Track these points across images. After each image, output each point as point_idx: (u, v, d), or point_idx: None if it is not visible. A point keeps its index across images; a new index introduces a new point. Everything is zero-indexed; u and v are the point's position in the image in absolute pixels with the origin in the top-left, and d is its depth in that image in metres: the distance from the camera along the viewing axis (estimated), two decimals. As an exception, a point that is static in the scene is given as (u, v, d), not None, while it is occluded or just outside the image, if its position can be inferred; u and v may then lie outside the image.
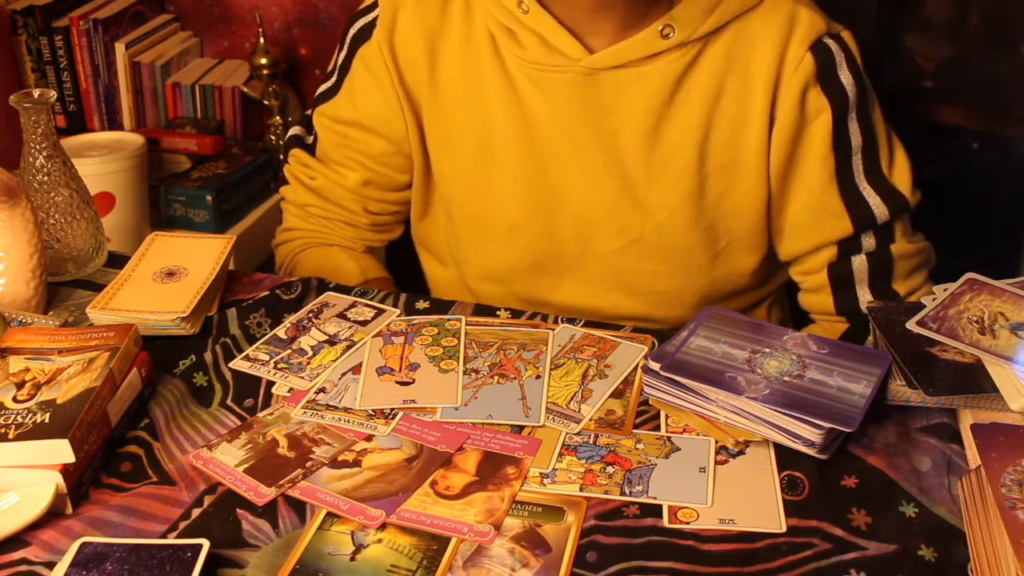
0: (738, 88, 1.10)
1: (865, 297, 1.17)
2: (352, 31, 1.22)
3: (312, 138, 1.29)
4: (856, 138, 1.12)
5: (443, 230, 1.28)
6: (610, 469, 0.86)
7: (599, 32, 1.10)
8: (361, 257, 1.30)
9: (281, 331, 1.05)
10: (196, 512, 0.83)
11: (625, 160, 1.13)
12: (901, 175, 1.16)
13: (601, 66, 1.10)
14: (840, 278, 1.17)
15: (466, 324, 1.05)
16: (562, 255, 1.19)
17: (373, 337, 1.04)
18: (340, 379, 0.98)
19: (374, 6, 1.19)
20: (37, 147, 1.12)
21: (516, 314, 1.08)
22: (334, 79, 1.25)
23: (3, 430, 0.83)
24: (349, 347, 1.02)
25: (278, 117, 2.04)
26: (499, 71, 1.14)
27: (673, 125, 1.12)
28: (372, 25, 1.18)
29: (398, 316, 1.07)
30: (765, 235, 1.18)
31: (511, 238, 1.19)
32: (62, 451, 0.82)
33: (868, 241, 1.16)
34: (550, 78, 1.12)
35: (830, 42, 1.10)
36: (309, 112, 1.30)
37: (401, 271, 1.43)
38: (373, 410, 0.93)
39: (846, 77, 1.10)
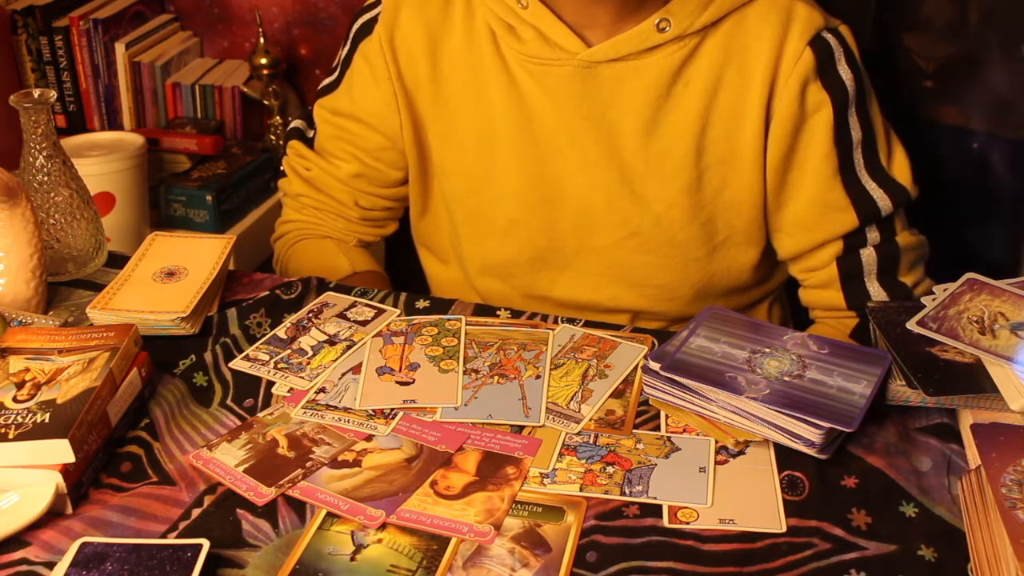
0: (735, 82, 1.11)
1: (875, 290, 1.17)
2: (355, 27, 1.23)
3: (312, 132, 1.30)
4: (856, 132, 1.13)
5: (444, 227, 1.28)
6: (610, 469, 0.86)
7: (596, 26, 1.10)
8: (352, 250, 1.31)
9: (281, 331, 1.05)
10: (196, 512, 0.83)
11: (624, 153, 1.14)
12: (901, 168, 1.16)
13: (599, 59, 1.10)
14: (849, 272, 1.17)
15: (466, 324, 1.05)
16: (562, 248, 1.20)
17: (373, 337, 1.04)
18: (340, 379, 0.98)
19: (377, 3, 1.20)
20: (37, 147, 1.12)
21: (516, 314, 1.08)
22: (336, 73, 1.27)
23: (3, 430, 0.83)
24: (349, 347, 1.02)
25: (278, 117, 2.05)
26: (499, 66, 1.15)
27: (671, 118, 1.12)
28: (374, 21, 1.20)
29: (398, 316, 1.07)
30: (763, 229, 1.18)
31: (511, 232, 1.20)
32: (62, 451, 0.82)
33: (872, 235, 1.16)
34: (549, 72, 1.12)
35: (828, 36, 1.10)
36: (311, 108, 1.31)
37: (401, 270, 1.44)
38: (373, 410, 0.93)
39: (845, 72, 1.10)
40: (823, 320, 1.23)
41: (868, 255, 1.16)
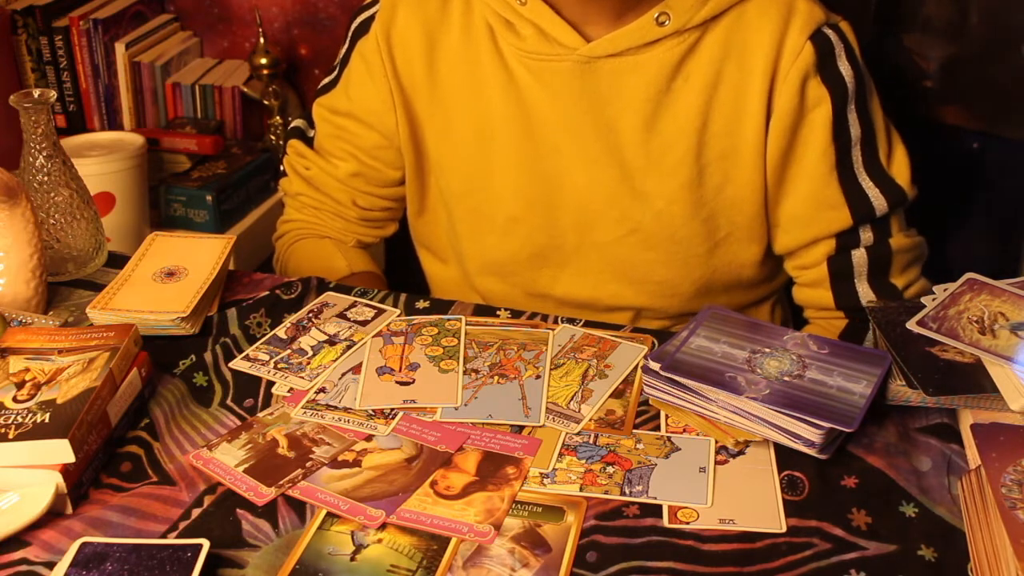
0: (736, 77, 1.10)
1: (863, 291, 1.17)
2: (354, 25, 1.24)
3: (313, 131, 1.31)
4: (855, 129, 1.12)
5: (442, 226, 1.28)
6: (610, 469, 0.86)
7: (595, 21, 1.10)
8: (350, 251, 1.31)
9: (281, 331, 1.05)
10: (196, 512, 0.83)
11: (623, 149, 1.14)
12: (900, 168, 1.16)
13: (598, 55, 1.10)
14: (839, 272, 1.17)
15: (466, 324, 1.05)
16: (562, 246, 1.20)
17: (373, 337, 1.04)
18: (340, 379, 0.98)
19: (375, 2, 1.20)
20: (37, 147, 1.12)
21: (516, 314, 1.08)
22: (335, 72, 1.27)
23: (3, 430, 0.83)
24: (349, 347, 1.02)
25: (278, 117, 2.05)
26: (498, 63, 1.15)
27: (671, 113, 1.12)
28: (372, 20, 1.20)
29: (398, 316, 1.07)
30: (765, 226, 1.18)
31: (510, 229, 1.20)
32: (62, 451, 0.82)
33: (866, 235, 1.16)
34: (548, 68, 1.12)
35: (829, 32, 1.10)
36: (311, 108, 1.31)
37: (401, 270, 1.44)
38: (373, 410, 0.93)
39: (845, 68, 1.10)
40: (815, 321, 1.23)
41: (859, 256, 1.16)
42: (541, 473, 0.86)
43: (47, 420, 0.84)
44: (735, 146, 1.13)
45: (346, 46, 1.25)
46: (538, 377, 0.97)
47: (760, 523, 0.81)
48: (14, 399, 0.86)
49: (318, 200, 1.31)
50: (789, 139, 1.12)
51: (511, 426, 0.91)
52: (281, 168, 1.36)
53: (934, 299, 0.98)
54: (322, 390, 0.96)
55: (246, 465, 0.87)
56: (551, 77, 1.12)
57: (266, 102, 2.04)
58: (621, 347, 1.02)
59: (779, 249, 1.21)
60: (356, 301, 1.10)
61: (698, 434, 0.90)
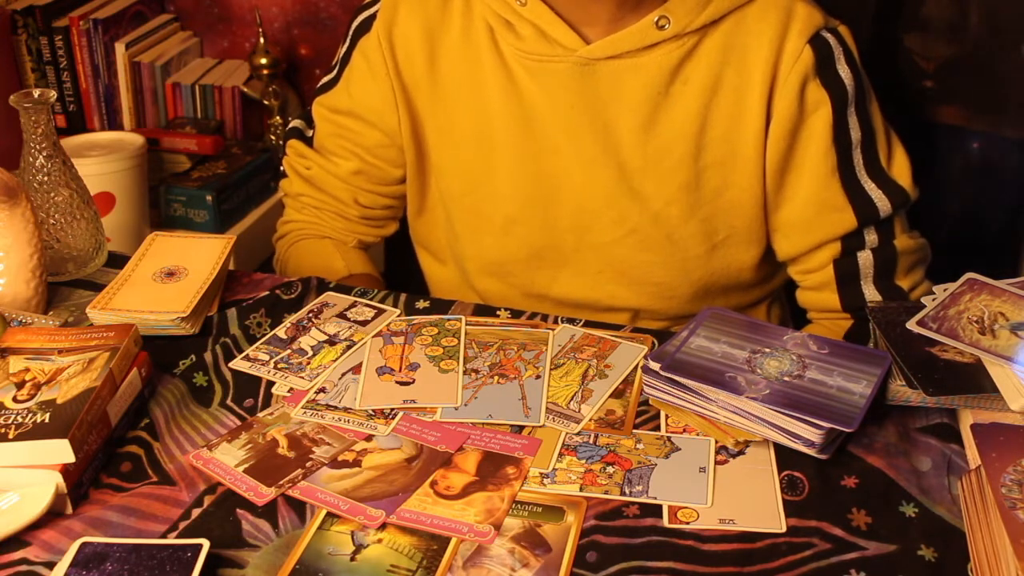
0: (735, 81, 1.10)
1: (870, 293, 1.17)
2: (355, 24, 1.24)
3: (311, 131, 1.31)
4: (855, 132, 1.12)
5: (441, 226, 1.28)
6: (610, 469, 0.86)
7: (595, 23, 1.10)
8: (350, 252, 1.31)
9: (281, 331, 1.05)
10: (196, 512, 0.83)
11: (622, 150, 1.14)
12: (901, 169, 1.16)
13: (598, 56, 1.10)
14: (845, 275, 1.17)
15: (466, 324, 1.05)
16: (560, 246, 1.20)
17: (373, 337, 1.04)
18: (340, 379, 0.98)
19: (376, 0, 1.20)
20: (37, 147, 1.12)
21: (516, 314, 1.08)
22: (335, 71, 1.27)
23: (3, 430, 0.83)
24: (349, 347, 1.02)
25: (278, 117, 2.05)
26: (497, 63, 1.15)
27: (669, 116, 1.12)
28: (373, 19, 1.20)
29: (398, 316, 1.07)
30: (764, 229, 1.18)
31: (508, 230, 1.20)
32: (62, 451, 0.82)
33: (871, 237, 1.16)
34: (547, 69, 1.12)
35: (828, 36, 1.10)
36: (310, 107, 1.31)
37: (401, 271, 1.44)
38: (373, 410, 0.93)
39: (844, 71, 1.10)
40: (819, 321, 1.23)
41: (865, 258, 1.16)
42: (541, 473, 0.86)
43: (47, 420, 0.84)
44: (734, 150, 1.13)
45: (346, 45, 1.25)
46: (538, 377, 0.97)
47: (760, 523, 0.81)
48: (14, 399, 0.86)
49: (319, 200, 1.31)
50: (789, 143, 1.12)
51: (511, 426, 0.91)
52: (281, 169, 1.36)
53: (934, 299, 0.98)
54: (322, 390, 0.96)
55: (246, 465, 0.87)
56: (550, 78, 1.13)
57: (266, 102, 2.05)
58: (621, 347, 1.02)
59: (781, 256, 1.20)
60: (356, 301, 1.10)
61: (698, 434, 0.90)
